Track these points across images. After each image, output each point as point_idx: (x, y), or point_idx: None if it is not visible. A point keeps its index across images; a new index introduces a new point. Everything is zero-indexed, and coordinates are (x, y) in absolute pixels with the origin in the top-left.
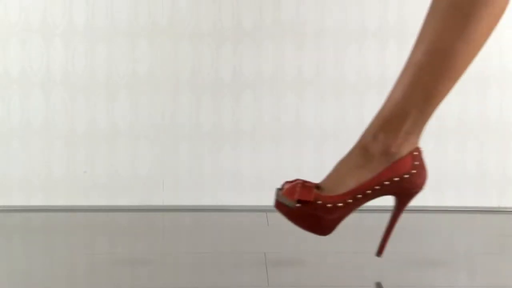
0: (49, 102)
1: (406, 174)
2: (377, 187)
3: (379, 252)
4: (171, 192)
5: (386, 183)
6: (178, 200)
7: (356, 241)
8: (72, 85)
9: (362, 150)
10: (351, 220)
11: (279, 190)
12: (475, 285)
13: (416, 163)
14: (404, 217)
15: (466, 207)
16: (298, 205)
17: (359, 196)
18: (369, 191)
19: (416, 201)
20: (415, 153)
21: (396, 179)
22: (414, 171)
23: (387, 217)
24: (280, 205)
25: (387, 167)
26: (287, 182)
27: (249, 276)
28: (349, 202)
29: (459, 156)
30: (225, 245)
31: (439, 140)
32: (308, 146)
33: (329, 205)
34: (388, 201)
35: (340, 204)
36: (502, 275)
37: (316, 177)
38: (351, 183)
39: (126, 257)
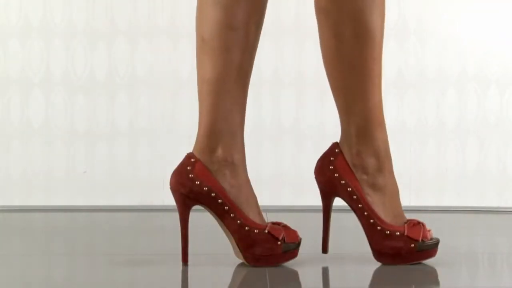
0: (49, 102)
1: None
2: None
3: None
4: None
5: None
6: None
7: (355, 241)
8: (72, 85)
9: None
10: (351, 220)
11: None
12: (476, 286)
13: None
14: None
15: (466, 207)
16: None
17: None
18: None
19: (416, 201)
20: None
21: None
22: None
23: None
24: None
25: None
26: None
27: (248, 276)
28: None
29: (459, 156)
30: (225, 245)
31: (439, 140)
32: (308, 146)
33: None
34: None
35: None
36: (503, 276)
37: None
38: None
39: (126, 258)
